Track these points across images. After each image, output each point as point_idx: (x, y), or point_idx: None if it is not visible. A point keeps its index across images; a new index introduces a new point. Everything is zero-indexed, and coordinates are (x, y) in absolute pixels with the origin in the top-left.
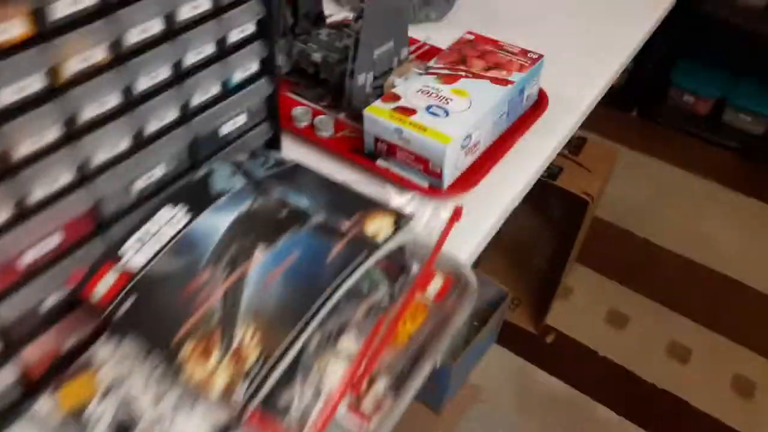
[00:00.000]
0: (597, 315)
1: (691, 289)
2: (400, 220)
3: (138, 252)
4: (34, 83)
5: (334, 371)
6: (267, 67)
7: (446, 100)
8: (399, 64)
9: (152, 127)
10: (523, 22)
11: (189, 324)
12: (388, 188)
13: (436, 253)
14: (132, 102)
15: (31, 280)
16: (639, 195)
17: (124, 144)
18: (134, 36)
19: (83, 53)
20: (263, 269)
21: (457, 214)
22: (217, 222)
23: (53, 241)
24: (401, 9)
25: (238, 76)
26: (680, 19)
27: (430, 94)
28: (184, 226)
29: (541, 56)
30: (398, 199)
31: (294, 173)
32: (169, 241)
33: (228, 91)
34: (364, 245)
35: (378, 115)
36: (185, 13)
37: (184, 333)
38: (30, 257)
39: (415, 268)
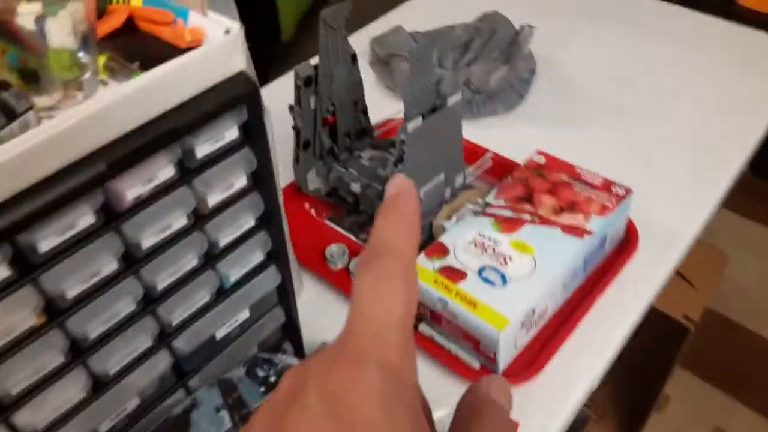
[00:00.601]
0: None
1: None
2: None
3: None
4: None
5: None
6: (272, 257)
7: (505, 259)
8: (453, 195)
9: (114, 364)
10: (609, 113)
11: None
12: None
13: None
14: (83, 349)
15: None
16: (755, 278)
17: (75, 393)
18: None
19: None
20: None
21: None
22: None
23: None
24: (453, 132)
25: (235, 274)
26: None
27: (486, 249)
28: None
29: (628, 192)
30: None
31: None
32: None
33: (222, 293)
34: None
35: (420, 278)
36: (147, 242)
37: None
38: None
39: None
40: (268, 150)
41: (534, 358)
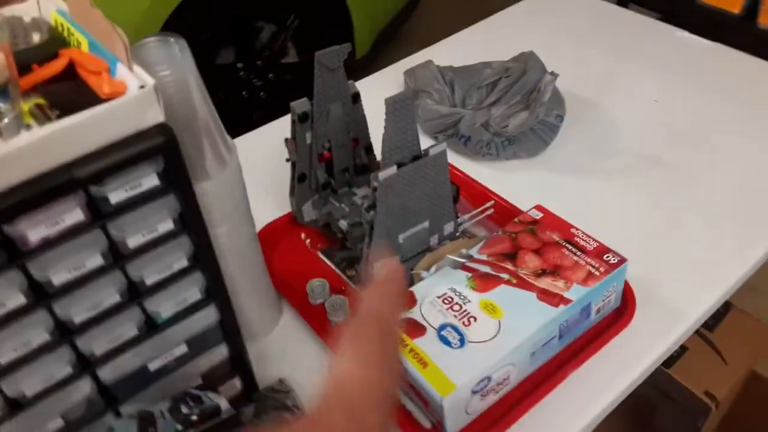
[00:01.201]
0: None
1: None
2: None
3: None
4: None
5: None
6: (211, 295)
7: (468, 319)
8: (441, 242)
9: (31, 387)
10: (642, 166)
11: None
12: None
13: None
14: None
15: None
16: None
17: None
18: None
19: None
20: None
21: None
22: None
23: None
24: (439, 181)
25: (167, 311)
26: None
27: (452, 306)
28: None
29: (622, 261)
30: None
31: None
32: None
33: (152, 328)
34: None
35: None
36: (58, 278)
37: None
38: None
39: None
40: (193, 196)
41: (490, 426)
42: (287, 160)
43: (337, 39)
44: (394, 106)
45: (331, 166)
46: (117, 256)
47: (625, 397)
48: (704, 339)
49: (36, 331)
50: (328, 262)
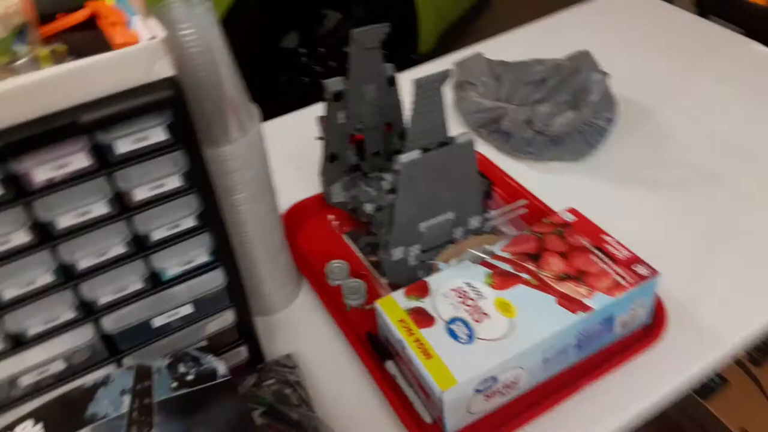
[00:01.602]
0: None
1: None
2: None
3: None
4: None
5: None
6: (219, 258)
7: (481, 315)
8: (466, 234)
9: (34, 326)
10: (696, 181)
11: None
12: None
13: None
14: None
15: None
16: None
17: None
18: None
19: None
20: None
21: None
22: None
23: None
24: (466, 172)
25: (173, 269)
26: None
27: (465, 300)
28: None
29: (654, 273)
30: None
31: (209, 399)
32: None
33: (158, 284)
34: None
35: (387, 314)
36: (63, 222)
37: None
38: None
39: None
40: (201, 155)
41: (492, 430)
42: (318, 138)
43: (402, 33)
44: (424, 87)
45: (362, 149)
46: (123, 207)
47: (643, 418)
48: (748, 374)
49: (40, 272)
50: (353, 246)
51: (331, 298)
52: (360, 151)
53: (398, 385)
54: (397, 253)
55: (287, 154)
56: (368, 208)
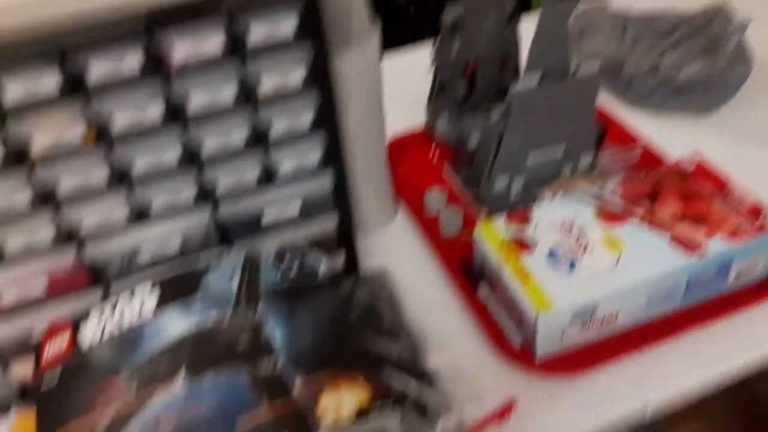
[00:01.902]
0: None
1: None
2: (381, 402)
3: (95, 326)
4: None
5: None
6: (330, 160)
7: (585, 248)
8: (575, 172)
9: (159, 202)
10: None
11: (77, 424)
12: None
13: None
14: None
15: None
16: None
17: (118, 214)
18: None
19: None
20: (161, 409)
21: (505, 411)
22: (172, 327)
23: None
24: (584, 107)
25: (287, 165)
26: None
27: (570, 232)
28: (143, 319)
29: None
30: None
31: (305, 297)
32: (122, 328)
33: (272, 178)
34: (297, 427)
35: (487, 239)
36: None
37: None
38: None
39: None
40: (325, 51)
41: (585, 359)
42: (430, 69)
43: None
44: (552, 10)
45: (473, 81)
46: (249, 97)
47: (736, 376)
48: None
49: (169, 150)
50: (453, 178)
51: (426, 225)
52: (471, 84)
53: (489, 312)
54: (500, 184)
55: (396, 88)
56: (473, 140)
